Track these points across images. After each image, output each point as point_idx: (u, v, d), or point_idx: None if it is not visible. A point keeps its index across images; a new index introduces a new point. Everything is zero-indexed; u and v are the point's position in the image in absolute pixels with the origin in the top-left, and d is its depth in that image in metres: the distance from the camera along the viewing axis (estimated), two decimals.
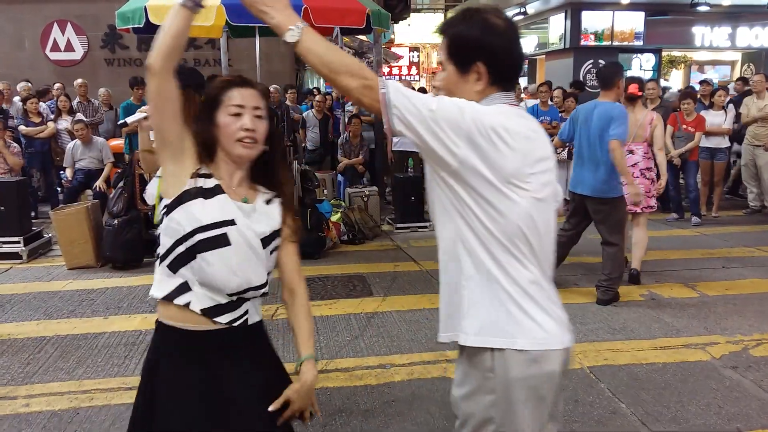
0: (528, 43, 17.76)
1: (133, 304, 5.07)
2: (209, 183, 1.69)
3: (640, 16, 15.54)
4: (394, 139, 8.64)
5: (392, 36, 23.07)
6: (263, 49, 7.40)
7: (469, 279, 1.57)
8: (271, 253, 1.77)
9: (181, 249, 1.66)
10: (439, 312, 1.67)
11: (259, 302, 1.81)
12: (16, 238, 6.31)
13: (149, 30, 6.35)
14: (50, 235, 6.75)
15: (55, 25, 12.22)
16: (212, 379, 1.69)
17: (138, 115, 3.62)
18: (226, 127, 1.70)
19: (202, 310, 1.67)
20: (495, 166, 1.49)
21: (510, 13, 17.02)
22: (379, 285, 5.51)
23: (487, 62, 1.59)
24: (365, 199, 7.67)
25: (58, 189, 8.43)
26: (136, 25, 5.81)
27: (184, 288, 1.68)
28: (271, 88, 9.33)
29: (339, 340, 4.29)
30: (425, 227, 7.57)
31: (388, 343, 4.25)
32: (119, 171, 6.65)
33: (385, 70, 22.51)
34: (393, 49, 23.27)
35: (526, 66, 18.97)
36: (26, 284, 5.62)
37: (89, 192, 7.23)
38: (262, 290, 1.75)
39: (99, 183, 7.09)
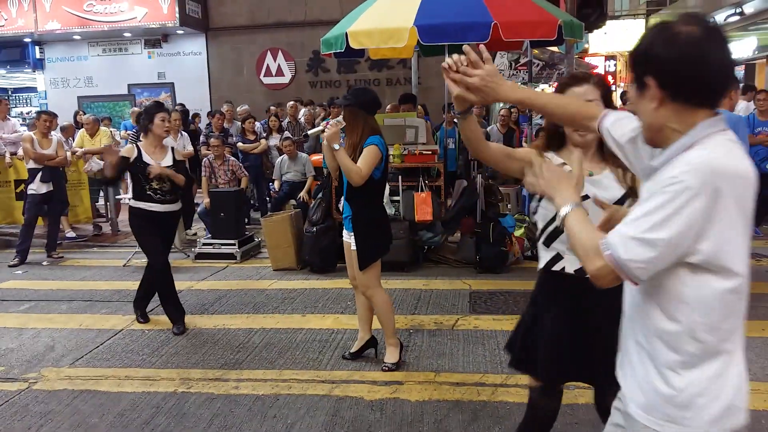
0: (745, 46, 15.91)
1: (327, 305, 5.48)
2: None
3: None
4: None
5: (586, 45, 22.12)
6: None
7: None
8: None
9: (550, 228, 2.23)
10: None
11: None
12: (232, 241, 7.18)
13: (349, 54, 6.90)
14: (260, 239, 7.57)
15: (268, 52, 13.79)
16: (577, 308, 2.25)
17: (317, 129, 3.98)
18: None
19: (575, 271, 2.22)
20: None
21: (724, 14, 15.41)
22: None
23: (657, 76, 1.40)
24: None
25: (267, 199, 9.42)
26: (337, 50, 6.31)
27: (557, 258, 2.26)
28: None
29: None
30: None
31: None
32: (318, 183, 7.27)
33: None
34: (587, 59, 22.29)
35: (742, 72, 17.01)
36: (239, 282, 6.36)
37: (293, 202, 7.97)
38: None
39: (302, 194, 7.79)
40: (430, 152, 6.75)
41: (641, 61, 1.44)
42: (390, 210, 6.65)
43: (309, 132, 4.33)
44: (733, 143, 1.39)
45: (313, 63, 13.65)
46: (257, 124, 9.53)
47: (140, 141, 4.98)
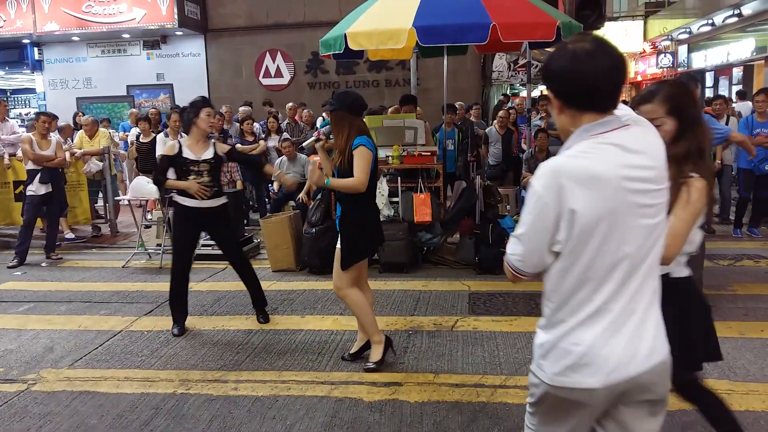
0: (743, 48, 15.95)
1: (326, 306, 5.49)
2: None
3: None
4: None
5: None
6: (450, 67, 7.59)
7: None
8: None
9: None
10: None
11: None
12: None
13: (348, 56, 6.91)
14: (259, 240, 7.57)
15: (267, 54, 13.80)
16: None
17: (312, 139, 4.04)
18: None
19: None
20: None
21: (722, 15, 15.45)
22: None
23: (552, 87, 1.70)
24: None
25: (266, 200, 9.42)
26: (336, 52, 6.31)
27: None
28: (456, 105, 9.53)
29: (519, 357, 4.24)
30: None
31: None
32: None
33: None
34: None
35: (740, 73, 17.04)
36: (237, 283, 6.31)
37: (292, 203, 7.96)
38: None
39: (301, 195, 7.79)
40: (429, 153, 6.76)
41: (543, 76, 1.73)
42: (389, 211, 6.67)
43: (303, 145, 4.51)
44: (599, 145, 1.61)
45: (312, 64, 13.67)
46: (256, 125, 9.53)
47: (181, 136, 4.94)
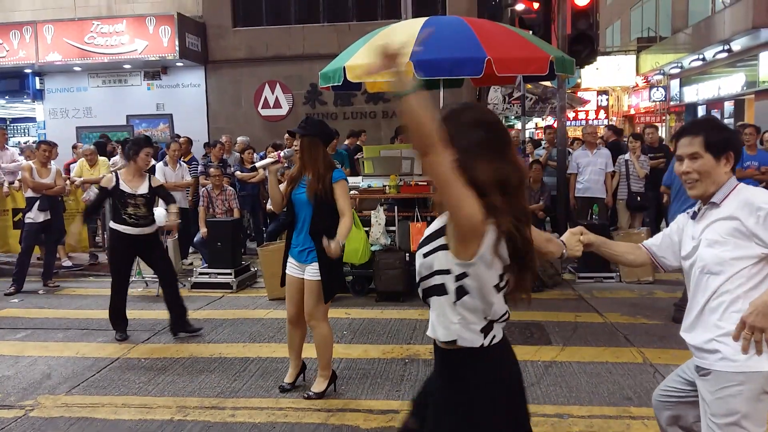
0: (733, 83, 16.28)
1: None
2: None
3: None
4: (578, 185, 8.44)
5: (579, 80, 22.55)
6: (447, 99, 7.76)
7: None
8: None
9: None
10: None
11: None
12: (228, 271, 7.21)
13: (347, 87, 7.05)
14: (256, 269, 7.60)
15: (267, 85, 13.98)
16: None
17: (268, 160, 4.01)
18: None
19: None
20: None
21: (712, 51, 15.81)
22: (558, 334, 5.37)
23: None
24: None
25: (264, 228, 9.47)
26: (335, 84, 6.46)
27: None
28: None
29: None
30: (611, 278, 7.24)
31: (566, 393, 4.13)
32: None
33: (571, 115, 22.00)
34: (579, 94, 22.69)
35: (732, 107, 17.35)
36: (235, 311, 6.38)
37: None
38: None
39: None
40: (425, 183, 6.86)
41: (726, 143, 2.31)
42: (386, 240, 6.76)
43: (257, 165, 4.27)
44: None
45: (310, 95, 13.82)
46: (256, 155, 9.66)
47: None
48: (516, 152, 1.89)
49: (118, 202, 5.29)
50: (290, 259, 4.03)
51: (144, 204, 5.34)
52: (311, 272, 3.93)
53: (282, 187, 4.07)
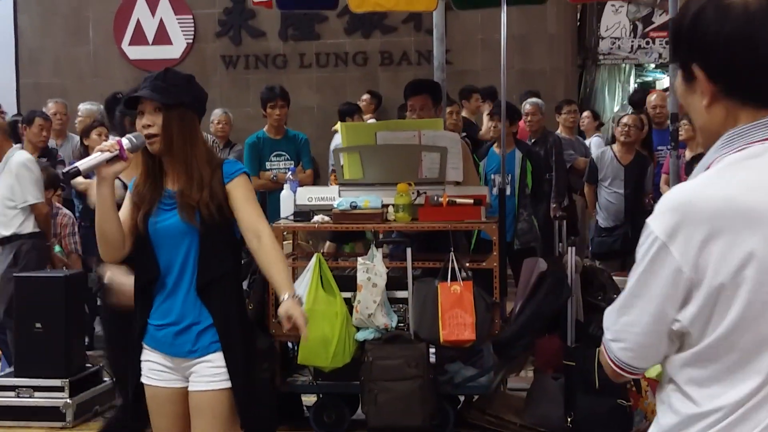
0: None
1: None
2: None
3: None
4: None
5: None
6: (514, 28, 4.49)
7: None
8: None
9: None
10: None
11: None
12: (57, 382, 4.20)
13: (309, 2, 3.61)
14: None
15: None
16: None
17: (99, 156, 2.32)
18: None
19: None
20: None
21: None
22: None
23: (703, 64, 1.11)
24: None
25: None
26: None
27: None
28: (527, 105, 6.00)
29: None
30: None
31: None
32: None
33: None
34: None
35: None
36: None
37: None
38: None
39: None
40: (471, 202, 3.94)
41: (690, 46, 1.15)
42: (387, 319, 4.07)
43: (80, 167, 2.37)
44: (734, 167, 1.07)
45: (231, 19, 8.55)
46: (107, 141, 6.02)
47: None
48: None
49: None
50: (149, 353, 2.34)
51: None
52: (209, 375, 2.28)
53: (123, 212, 2.46)
